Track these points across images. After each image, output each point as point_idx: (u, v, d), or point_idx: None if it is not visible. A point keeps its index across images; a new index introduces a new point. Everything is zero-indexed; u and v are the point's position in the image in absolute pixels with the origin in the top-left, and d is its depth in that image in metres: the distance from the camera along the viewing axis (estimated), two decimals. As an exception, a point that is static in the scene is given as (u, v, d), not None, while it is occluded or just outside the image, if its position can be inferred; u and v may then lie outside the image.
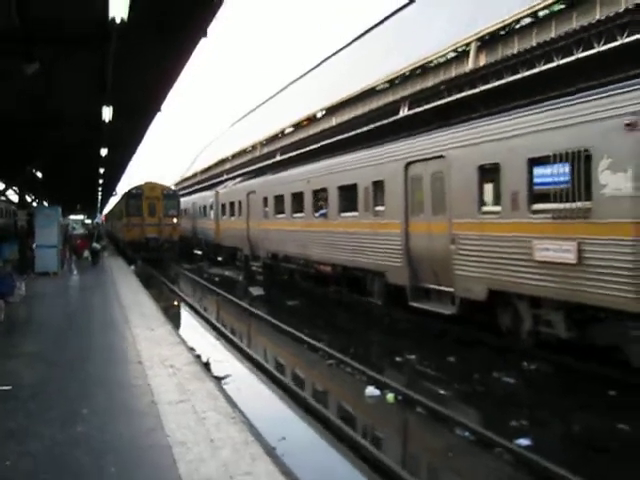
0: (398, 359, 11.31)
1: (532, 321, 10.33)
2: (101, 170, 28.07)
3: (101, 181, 36.21)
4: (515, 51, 19.42)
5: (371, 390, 9.00)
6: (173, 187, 52.93)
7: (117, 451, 5.49)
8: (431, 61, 24.22)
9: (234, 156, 55.04)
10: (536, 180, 9.96)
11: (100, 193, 50.09)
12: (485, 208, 11.22)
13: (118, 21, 6.87)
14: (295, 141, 35.99)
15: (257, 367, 10.87)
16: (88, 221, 67.22)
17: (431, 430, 7.83)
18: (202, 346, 12.01)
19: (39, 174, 27.10)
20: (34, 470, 5.07)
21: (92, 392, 7.40)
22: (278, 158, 33.78)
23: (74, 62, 9.73)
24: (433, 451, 7.28)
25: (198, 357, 10.06)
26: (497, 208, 10.85)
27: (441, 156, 12.29)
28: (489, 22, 21.38)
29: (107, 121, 13.46)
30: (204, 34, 9.58)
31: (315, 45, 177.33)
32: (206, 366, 9.71)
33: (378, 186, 14.89)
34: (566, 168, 9.26)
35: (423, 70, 24.73)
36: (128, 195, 35.16)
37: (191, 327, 15.51)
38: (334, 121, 32.60)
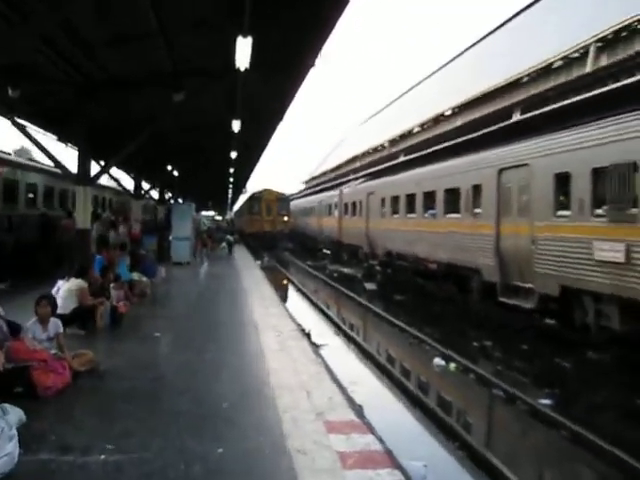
0: (475, 344, 13.81)
1: (595, 315, 12.43)
2: (231, 170, 32.34)
3: (231, 180, 40.84)
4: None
5: (438, 361, 11.67)
6: (304, 184, 61.56)
7: (230, 367, 8.71)
8: (551, 63, 25.86)
9: (363, 155, 58.32)
10: (598, 187, 12.11)
11: (230, 191, 55.34)
12: (560, 212, 13.41)
13: (242, 69, 10.06)
14: (420, 142, 38.50)
15: (350, 340, 13.87)
16: (218, 217, 73.31)
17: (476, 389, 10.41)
18: (308, 323, 15.16)
19: (176, 173, 31.71)
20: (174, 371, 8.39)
21: (217, 338, 10.76)
22: (401, 159, 36.43)
23: (211, 89, 13.18)
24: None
25: (302, 330, 13.15)
26: (567, 212, 13.04)
27: (526, 164, 14.59)
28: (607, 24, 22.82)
29: (236, 131, 17.07)
30: (312, 65, 12.69)
31: (435, 48, 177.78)
32: (307, 336, 12.77)
33: (477, 190, 17.32)
34: (618, 178, 11.38)
35: (544, 72, 26.42)
36: (251, 198, 50.23)
37: (302, 310, 18.79)
38: (459, 121, 34.75)
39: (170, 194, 36.31)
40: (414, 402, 9.92)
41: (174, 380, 8.31)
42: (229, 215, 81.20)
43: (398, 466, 5.81)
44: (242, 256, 36.34)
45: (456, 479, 7.26)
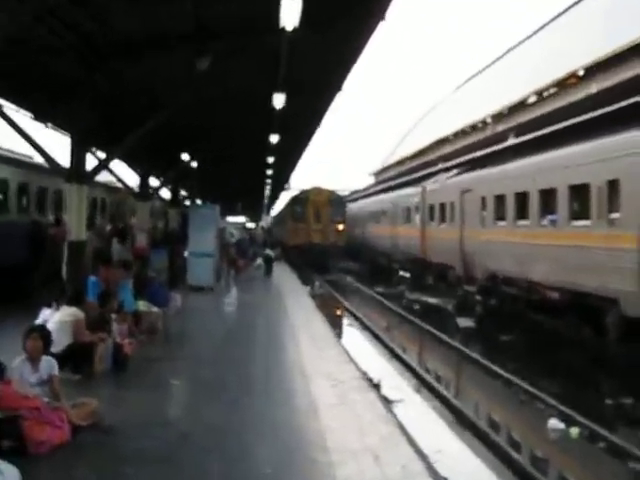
0: (609, 401, 14.31)
1: None
2: (270, 160, 33.39)
3: (269, 173, 41.95)
4: None
5: (554, 423, 12.23)
6: (372, 178, 62.92)
7: (273, 426, 9.51)
8: None
9: (456, 135, 58.86)
10: None
11: (268, 189, 56.53)
12: None
13: (289, 29, 10.92)
14: (537, 117, 38.90)
15: (435, 395, 14.56)
16: (250, 225, 74.43)
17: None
18: (377, 371, 15.89)
19: (194, 165, 32.83)
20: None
21: (253, 389, 11.59)
22: (510, 142, 36.88)
23: (246, 54, 14.11)
24: None
25: (369, 380, 13.90)
26: None
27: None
28: None
29: (278, 108, 17.99)
30: (382, 19, 13.52)
31: None
32: (376, 387, 13.51)
33: (613, 186, 17.79)
34: None
35: None
36: (294, 200, 51.54)
37: (369, 354, 19.50)
38: (594, 88, 35.07)
39: (186, 193, 37.57)
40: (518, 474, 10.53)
41: (198, 440, 9.13)
42: (265, 222, 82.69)
43: None
44: (284, 278, 37.34)
45: None
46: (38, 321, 11.98)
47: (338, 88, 20.16)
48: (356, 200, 72.08)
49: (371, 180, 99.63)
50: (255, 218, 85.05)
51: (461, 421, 13.60)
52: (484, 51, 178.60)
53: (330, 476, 7.94)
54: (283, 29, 11.63)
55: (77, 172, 14.39)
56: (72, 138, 14.60)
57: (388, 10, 13.28)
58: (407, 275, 43.21)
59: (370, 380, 14.02)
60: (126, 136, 15.94)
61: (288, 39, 12.35)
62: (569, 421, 12.76)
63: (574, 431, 12.30)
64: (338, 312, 29.91)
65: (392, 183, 62.75)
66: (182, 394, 11.74)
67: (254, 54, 14.27)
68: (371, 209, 55.20)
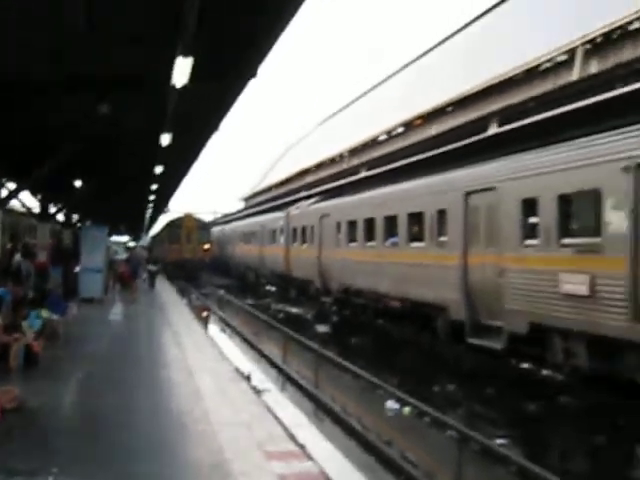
0: (436, 388, 16.14)
1: (564, 354, 14.83)
2: (153, 187, 34.43)
3: (151, 198, 42.87)
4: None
5: (390, 404, 13.93)
6: (243, 202, 67.38)
7: (167, 407, 10.78)
8: (537, 66, 28.77)
9: (316, 167, 60.87)
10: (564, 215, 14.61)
11: (150, 211, 57.32)
12: (528, 241, 15.83)
13: (178, 86, 12.28)
14: (386, 154, 41.14)
15: (295, 386, 16.07)
16: (132, 243, 74.70)
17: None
18: (247, 367, 17.28)
19: (85, 189, 33.49)
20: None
21: (149, 381, 12.80)
22: (362, 175, 38.88)
23: (140, 102, 15.34)
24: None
25: (241, 373, 15.27)
26: (535, 241, 15.47)
27: (492, 188, 17.06)
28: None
29: (164, 145, 19.27)
30: (254, 76, 14.99)
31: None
32: (247, 379, 14.90)
33: (442, 215, 19.74)
34: (583, 206, 13.91)
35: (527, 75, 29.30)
36: (170, 225, 62.44)
37: (240, 354, 20.85)
38: (433, 130, 37.52)
39: (77, 216, 38.01)
40: (362, 443, 12.11)
41: (109, 418, 10.35)
42: (144, 241, 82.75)
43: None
44: (165, 291, 38.29)
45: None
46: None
47: (216, 128, 21.45)
48: (228, 222, 74.02)
49: (241, 204, 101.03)
50: (136, 238, 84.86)
51: (317, 404, 15.14)
52: (347, 89, 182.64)
53: (215, 440, 9.28)
54: (174, 86, 12.96)
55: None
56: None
57: (259, 67, 14.80)
58: (273, 289, 44.73)
59: (242, 374, 15.39)
60: (32, 168, 16.79)
61: (177, 92, 13.59)
62: (403, 402, 14.46)
63: (406, 410, 14.02)
64: (213, 320, 31.09)
65: (260, 208, 64.39)
66: (89, 386, 12.84)
67: (148, 102, 15.43)
68: (242, 230, 57.10)
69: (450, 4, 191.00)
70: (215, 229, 72.93)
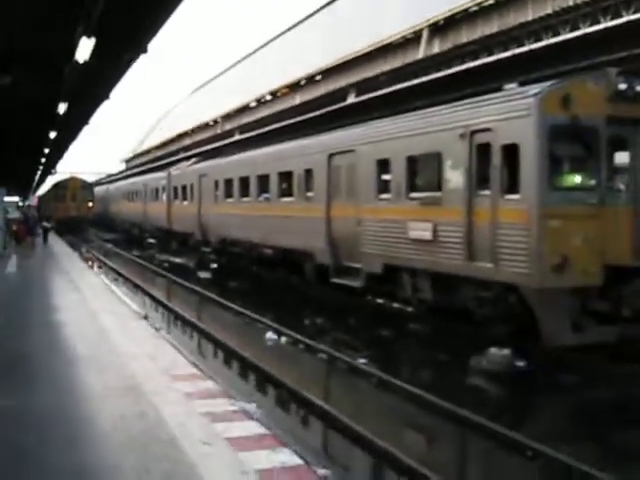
0: (308, 321, 17.07)
1: (412, 289, 15.99)
2: (46, 151, 33.73)
3: (42, 161, 41.85)
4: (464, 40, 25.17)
5: (270, 335, 14.77)
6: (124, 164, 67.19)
7: (77, 343, 11.20)
8: (390, 43, 29.87)
9: (193, 131, 60.65)
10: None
11: (39, 173, 55.88)
12: (381, 195, 16.85)
13: (81, 62, 12.50)
14: (256, 120, 41.59)
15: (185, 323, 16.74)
16: (22, 204, 72.66)
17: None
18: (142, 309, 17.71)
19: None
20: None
21: (57, 320, 13.13)
22: (236, 137, 39.31)
23: (41, 74, 15.37)
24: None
25: (138, 313, 15.70)
26: (388, 195, 16.51)
27: (352, 150, 17.96)
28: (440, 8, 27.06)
29: (61, 113, 19.18)
30: (145, 52, 15.21)
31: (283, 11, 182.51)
32: (145, 318, 15.37)
33: (309, 174, 20.54)
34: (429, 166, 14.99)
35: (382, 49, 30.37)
36: (57, 186, 63.23)
37: (134, 298, 21.19)
38: (298, 99, 38.25)
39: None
40: (248, 366, 12.91)
41: (31, 357, 10.72)
42: (31, 201, 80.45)
43: (232, 397, 8.75)
44: (58, 246, 37.77)
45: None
46: None
47: (107, 97, 21.44)
48: (112, 182, 73.02)
49: (122, 166, 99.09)
50: (24, 198, 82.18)
51: (205, 337, 15.78)
52: (221, 57, 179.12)
53: (126, 369, 9.82)
54: (76, 61, 13.10)
55: None
56: None
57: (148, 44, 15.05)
58: (154, 242, 44.62)
59: (139, 314, 15.85)
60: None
61: (78, 67, 13.71)
62: (279, 333, 15.30)
63: (283, 339, 14.88)
64: (105, 270, 30.98)
65: (141, 169, 63.75)
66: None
67: (48, 76, 15.40)
68: (126, 189, 56.39)
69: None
70: (99, 188, 73.01)
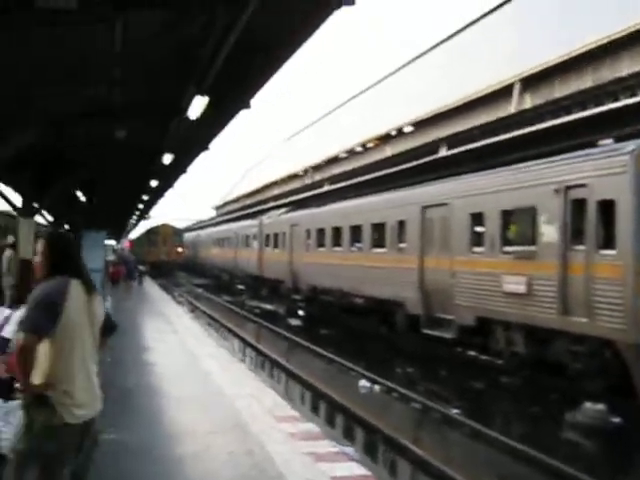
0: (399, 370, 17.40)
1: (505, 342, 16.16)
2: (145, 197, 35.35)
3: (140, 206, 43.67)
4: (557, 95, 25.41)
5: (363, 383, 15.17)
6: (214, 211, 70.07)
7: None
8: (481, 97, 30.29)
9: (283, 180, 62.08)
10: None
11: (135, 217, 58.14)
12: (475, 248, 17.17)
13: (192, 118, 13.46)
14: (346, 171, 42.43)
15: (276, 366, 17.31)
16: (118, 246, 75.49)
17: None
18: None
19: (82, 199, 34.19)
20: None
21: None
22: (326, 188, 40.19)
23: (154, 128, 16.46)
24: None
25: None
26: (481, 249, 16.82)
27: (446, 203, 18.39)
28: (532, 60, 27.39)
29: (166, 163, 20.35)
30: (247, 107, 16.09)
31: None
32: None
33: (402, 225, 21.04)
34: (522, 219, 15.29)
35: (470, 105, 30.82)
36: (150, 232, 68.26)
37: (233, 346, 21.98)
38: (388, 151, 38.94)
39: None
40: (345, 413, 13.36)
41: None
42: (121, 244, 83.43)
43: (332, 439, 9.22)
44: (151, 288, 39.24)
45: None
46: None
47: (205, 148, 22.52)
48: (202, 228, 75.42)
49: (212, 212, 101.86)
50: (118, 241, 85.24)
51: (299, 382, 16.30)
52: (312, 108, 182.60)
53: (231, 408, 10.39)
54: (188, 117, 14.05)
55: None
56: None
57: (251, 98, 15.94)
58: (244, 288, 45.71)
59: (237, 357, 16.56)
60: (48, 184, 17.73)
61: (189, 121, 14.65)
62: (373, 381, 15.69)
63: (376, 387, 15.27)
64: (198, 314, 32.02)
65: (231, 216, 65.57)
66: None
67: (160, 129, 16.41)
68: (217, 236, 58.13)
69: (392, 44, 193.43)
70: (189, 234, 77.21)
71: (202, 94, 12.37)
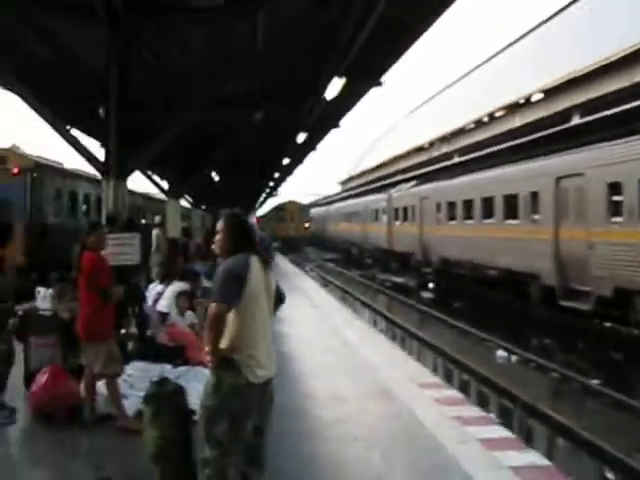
0: (535, 342, 17.52)
1: (645, 312, 15.97)
2: (276, 175, 36.43)
3: (271, 184, 45.01)
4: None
5: (500, 353, 15.43)
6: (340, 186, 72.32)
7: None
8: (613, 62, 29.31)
9: (409, 153, 62.00)
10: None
11: (264, 195, 59.88)
12: (613, 218, 16.95)
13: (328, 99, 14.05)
14: (473, 143, 42.08)
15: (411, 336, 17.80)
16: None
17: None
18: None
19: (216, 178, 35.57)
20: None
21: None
22: (455, 160, 40.04)
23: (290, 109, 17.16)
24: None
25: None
26: (620, 218, 16.60)
27: (582, 174, 18.19)
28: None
29: (300, 142, 21.07)
30: (380, 84, 16.49)
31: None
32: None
33: (535, 196, 20.92)
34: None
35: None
36: (278, 208, 71.52)
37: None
38: (517, 121, 38.28)
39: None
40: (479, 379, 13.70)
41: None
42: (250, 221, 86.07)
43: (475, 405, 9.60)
44: (282, 263, 40.40)
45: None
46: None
47: (336, 126, 23.10)
48: (329, 204, 76.52)
49: (338, 188, 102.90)
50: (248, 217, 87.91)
51: (435, 352, 16.72)
52: (434, 80, 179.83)
53: (376, 376, 10.93)
54: (324, 98, 14.62)
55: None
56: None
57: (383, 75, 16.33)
58: (372, 261, 46.30)
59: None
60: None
61: (322, 100, 15.24)
62: (510, 351, 15.91)
63: (513, 357, 15.50)
64: (331, 288, 32.86)
65: (358, 190, 66.17)
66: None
67: (296, 110, 17.08)
68: (346, 211, 58.91)
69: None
70: (315, 210, 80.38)
71: (340, 76, 12.90)
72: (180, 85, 12.31)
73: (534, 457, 7.52)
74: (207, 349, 4.88)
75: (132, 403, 7.99)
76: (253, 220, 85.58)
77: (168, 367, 9.28)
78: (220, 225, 5.22)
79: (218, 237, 5.20)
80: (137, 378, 8.74)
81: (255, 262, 5.01)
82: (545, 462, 7.48)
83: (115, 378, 7.86)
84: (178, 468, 5.92)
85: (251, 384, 4.88)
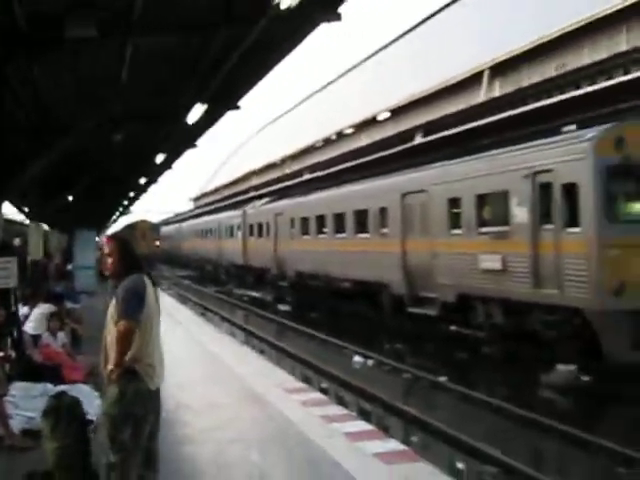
0: (387, 346, 18.80)
1: (485, 316, 17.55)
2: (131, 194, 36.42)
3: (125, 202, 44.73)
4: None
5: (357, 359, 16.57)
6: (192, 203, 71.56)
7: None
8: (452, 85, 31.61)
9: (261, 170, 63.18)
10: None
11: (117, 214, 59.17)
12: (453, 230, 18.52)
13: (190, 123, 14.65)
14: (323, 161, 43.68)
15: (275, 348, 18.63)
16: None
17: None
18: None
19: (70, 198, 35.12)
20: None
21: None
22: (306, 177, 41.41)
23: (152, 132, 17.60)
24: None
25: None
26: (459, 230, 18.18)
27: (425, 190, 19.72)
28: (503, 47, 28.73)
29: (158, 162, 21.51)
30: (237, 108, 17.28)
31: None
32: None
33: (383, 212, 22.34)
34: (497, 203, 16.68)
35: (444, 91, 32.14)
36: (129, 227, 71.50)
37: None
38: (363, 140, 40.21)
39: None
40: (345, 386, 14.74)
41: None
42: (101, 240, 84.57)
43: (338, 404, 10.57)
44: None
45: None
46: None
47: (194, 146, 23.66)
48: (183, 221, 76.41)
49: (191, 204, 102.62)
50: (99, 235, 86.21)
51: (295, 359, 17.64)
52: (285, 99, 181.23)
53: (245, 384, 11.66)
54: (185, 122, 15.25)
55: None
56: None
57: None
58: (227, 277, 46.80)
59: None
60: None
61: (185, 126, 15.84)
62: (365, 356, 17.07)
63: (369, 362, 16.65)
64: (190, 305, 33.17)
65: (212, 207, 66.58)
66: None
67: (157, 133, 17.58)
68: (199, 228, 59.06)
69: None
70: (168, 227, 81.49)
71: (202, 102, 13.59)
72: (51, 112, 12.59)
73: (394, 444, 8.55)
74: (112, 362, 5.34)
75: (18, 422, 8.35)
76: (103, 240, 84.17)
77: (50, 386, 9.60)
78: (109, 248, 5.68)
79: (109, 260, 5.66)
80: (20, 398, 9.07)
81: (147, 281, 5.61)
82: (404, 447, 8.50)
83: (0, 399, 8.18)
84: (77, 476, 6.40)
85: (150, 391, 5.44)
